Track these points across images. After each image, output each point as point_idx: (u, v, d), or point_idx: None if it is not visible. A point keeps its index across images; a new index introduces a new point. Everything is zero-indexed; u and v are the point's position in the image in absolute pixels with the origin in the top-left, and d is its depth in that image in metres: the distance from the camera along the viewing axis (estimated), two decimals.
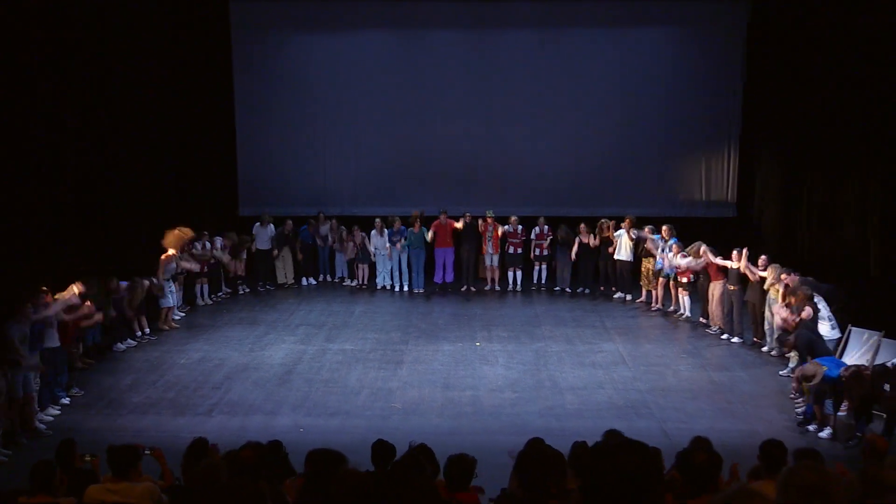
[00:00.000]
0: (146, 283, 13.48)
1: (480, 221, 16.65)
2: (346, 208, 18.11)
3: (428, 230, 16.60)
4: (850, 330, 11.61)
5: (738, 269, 13.19)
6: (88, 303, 11.30)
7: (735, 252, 13.23)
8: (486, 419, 10.33)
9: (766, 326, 12.87)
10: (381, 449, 6.13)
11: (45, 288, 10.68)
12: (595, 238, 16.34)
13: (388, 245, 16.68)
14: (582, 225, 16.55)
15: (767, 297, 12.69)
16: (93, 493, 5.79)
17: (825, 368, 9.86)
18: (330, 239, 17.37)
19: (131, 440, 6.66)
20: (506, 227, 16.68)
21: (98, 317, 11.71)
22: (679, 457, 5.43)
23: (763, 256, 12.85)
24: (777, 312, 11.78)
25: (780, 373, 11.91)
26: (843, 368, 9.74)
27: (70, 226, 13.08)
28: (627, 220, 15.98)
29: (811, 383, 10.05)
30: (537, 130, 18.05)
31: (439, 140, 18.10)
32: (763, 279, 12.68)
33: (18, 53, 11.93)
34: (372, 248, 16.83)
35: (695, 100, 17.79)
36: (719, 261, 13.45)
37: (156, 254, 14.35)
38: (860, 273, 13.13)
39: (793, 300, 11.34)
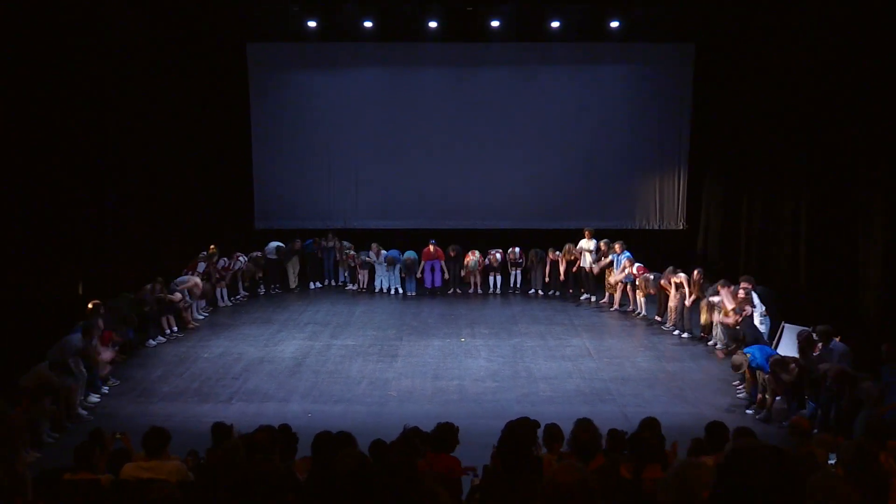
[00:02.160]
0: (178, 296, 13.60)
1: (469, 253, 16.70)
2: (349, 222, 18.11)
3: (419, 260, 16.71)
4: (784, 326, 11.71)
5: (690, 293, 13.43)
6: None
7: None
8: (470, 405, 10.34)
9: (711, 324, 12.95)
10: (376, 446, 5.98)
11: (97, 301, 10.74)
12: (562, 259, 16.46)
13: (383, 263, 16.81)
14: (550, 249, 16.64)
15: (709, 298, 12.74)
16: (128, 471, 5.79)
17: (749, 356, 10.02)
18: (336, 255, 17.39)
19: (161, 424, 6.65)
20: (486, 260, 16.72)
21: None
22: (631, 438, 5.47)
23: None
24: (722, 321, 11.90)
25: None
26: (770, 358, 9.84)
27: (103, 238, 13.04)
28: (587, 232, 16.12)
29: (740, 371, 10.24)
30: (513, 153, 18.08)
31: (429, 161, 18.12)
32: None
33: (59, 92, 11.91)
34: (370, 258, 16.86)
35: (649, 128, 17.89)
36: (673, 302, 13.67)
37: (180, 263, 14.46)
38: (792, 278, 13.22)
39: (735, 304, 11.48)
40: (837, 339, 9.66)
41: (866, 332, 10.83)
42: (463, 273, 16.79)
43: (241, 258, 16.14)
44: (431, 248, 16.69)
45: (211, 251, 15.21)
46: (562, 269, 16.55)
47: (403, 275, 16.77)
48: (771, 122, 14.30)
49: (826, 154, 12.49)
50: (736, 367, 10.30)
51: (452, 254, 16.76)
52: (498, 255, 16.81)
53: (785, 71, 13.77)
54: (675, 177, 18.11)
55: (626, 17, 16.81)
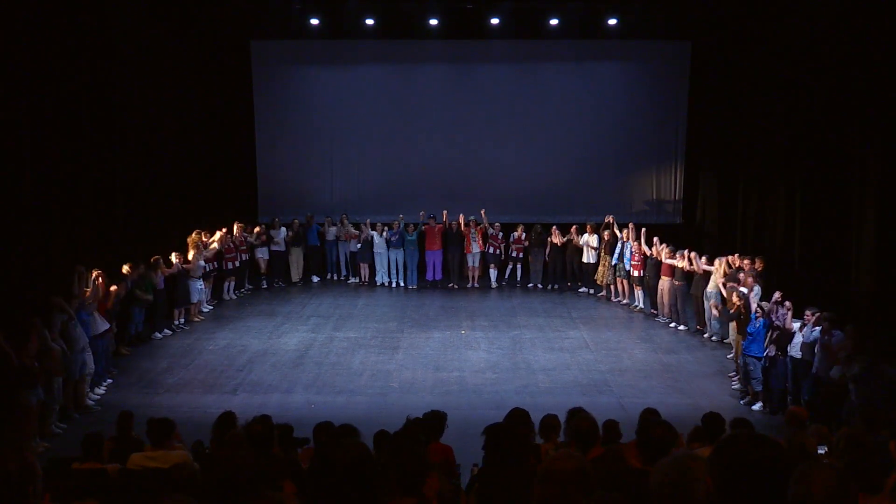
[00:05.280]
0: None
1: (464, 226, 16.67)
2: (350, 215, 18.08)
3: (421, 232, 16.71)
4: None
5: (683, 267, 13.29)
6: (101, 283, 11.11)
7: (679, 253, 13.40)
8: (470, 396, 10.37)
9: (707, 316, 12.95)
10: (381, 437, 6.00)
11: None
12: (562, 238, 16.44)
13: (386, 240, 16.73)
14: (553, 227, 16.63)
15: (706, 291, 12.77)
16: (135, 460, 5.80)
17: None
18: (337, 233, 17.33)
19: (167, 415, 6.66)
20: (489, 231, 16.72)
21: (113, 288, 11.27)
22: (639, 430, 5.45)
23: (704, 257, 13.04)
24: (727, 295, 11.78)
25: (728, 356, 11.90)
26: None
27: (108, 231, 13.03)
28: (588, 227, 16.12)
29: (734, 310, 10.26)
30: (513, 149, 18.05)
31: (430, 157, 18.10)
32: (707, 273, 12.79)
33: (65, 87, 11.89)
34: (371, 235, 16.85)
35: (647, 123, 17.85)
36: (668, 260, 13.56)
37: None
38: (787, 269, 13.21)
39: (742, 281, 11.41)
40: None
41: (860, 322, 10.84)
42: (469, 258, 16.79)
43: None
44: (431, 223, 16.64)
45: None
46: (559, 240, 16.46)
47: (405, 254, 16.71)
48: (765, 118, 14.29)
49: (819, 149, 12.48)
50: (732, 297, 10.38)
51: (453, 225, 16.66)
52: (500, 235, 16.76)
53: (779, 67, 13.76)
54: (672, 171, 18.09)
55: (624, 15, 16.83)
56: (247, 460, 3.11)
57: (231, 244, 15.61)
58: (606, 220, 15.91)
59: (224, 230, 15.51)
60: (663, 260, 13.65)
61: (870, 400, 8.19)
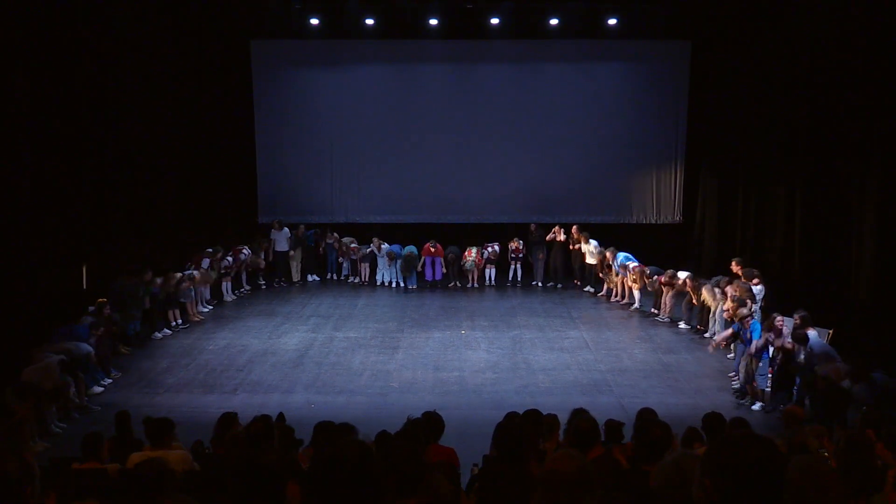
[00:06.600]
0: (178, 275, 13.56)
1: (466, 253, 16.64)
2: (351, 216, 18.08)
3: (419, 256, 16.66)
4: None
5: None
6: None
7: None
8: (470, 396, 10.36)
9: (711, 315, 12.92)
10: (383, 438, 6.00)
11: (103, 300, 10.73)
12: (563, 237, 16.53)
13: (384, 256, 16.78)
14: (556, 227, 16.69)
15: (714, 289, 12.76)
16: (135, 460, 5.78)
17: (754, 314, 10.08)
18: (337, 251, 17.38)
19: (167, 415, 6.65)
20: (488, 250, 16.69)
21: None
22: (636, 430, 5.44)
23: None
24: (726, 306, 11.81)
25: (729, 356, 11.81)
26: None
27: (108, 232, 13.04)
28: (583, 237, 16.27)
29: (744, 318, 10.20)
30: (513, 149, 18.02)
31: (430, 156, 18.06)
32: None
33: (65, 87, 11.89)
34: (373, 249, 16.88)
35: (646, 123, 17.82)
36: (669, 294, 13.72)
37: (184, 256, 14.46)
38: (786, 270, 13.22)
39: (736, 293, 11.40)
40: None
41: (859, 324, 10.85)
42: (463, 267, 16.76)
43: (244, 251, 16.10)
44: (431, 249, 16.66)
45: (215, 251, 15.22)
46: (559, 238, 16.57)
47: (405, 274, 16.68)
48: (765, 118, 14.29)
49: (820, 148, 12.49)
50: (740, 317, 10.31)
51: (451, 257, 16.70)
52: (496, 247, 16.78)
53: (779, 67, 13.76)
54: (672, 171, 18.07)
55: (624, 15, 16.82)
56: (274, 457, 3.11)
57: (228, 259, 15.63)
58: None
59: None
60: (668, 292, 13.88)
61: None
